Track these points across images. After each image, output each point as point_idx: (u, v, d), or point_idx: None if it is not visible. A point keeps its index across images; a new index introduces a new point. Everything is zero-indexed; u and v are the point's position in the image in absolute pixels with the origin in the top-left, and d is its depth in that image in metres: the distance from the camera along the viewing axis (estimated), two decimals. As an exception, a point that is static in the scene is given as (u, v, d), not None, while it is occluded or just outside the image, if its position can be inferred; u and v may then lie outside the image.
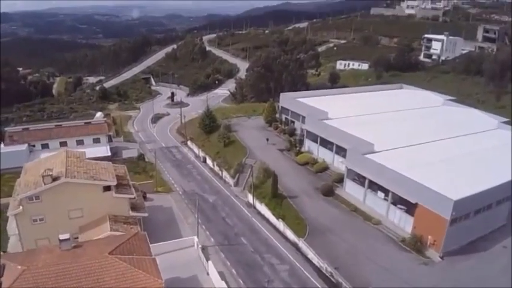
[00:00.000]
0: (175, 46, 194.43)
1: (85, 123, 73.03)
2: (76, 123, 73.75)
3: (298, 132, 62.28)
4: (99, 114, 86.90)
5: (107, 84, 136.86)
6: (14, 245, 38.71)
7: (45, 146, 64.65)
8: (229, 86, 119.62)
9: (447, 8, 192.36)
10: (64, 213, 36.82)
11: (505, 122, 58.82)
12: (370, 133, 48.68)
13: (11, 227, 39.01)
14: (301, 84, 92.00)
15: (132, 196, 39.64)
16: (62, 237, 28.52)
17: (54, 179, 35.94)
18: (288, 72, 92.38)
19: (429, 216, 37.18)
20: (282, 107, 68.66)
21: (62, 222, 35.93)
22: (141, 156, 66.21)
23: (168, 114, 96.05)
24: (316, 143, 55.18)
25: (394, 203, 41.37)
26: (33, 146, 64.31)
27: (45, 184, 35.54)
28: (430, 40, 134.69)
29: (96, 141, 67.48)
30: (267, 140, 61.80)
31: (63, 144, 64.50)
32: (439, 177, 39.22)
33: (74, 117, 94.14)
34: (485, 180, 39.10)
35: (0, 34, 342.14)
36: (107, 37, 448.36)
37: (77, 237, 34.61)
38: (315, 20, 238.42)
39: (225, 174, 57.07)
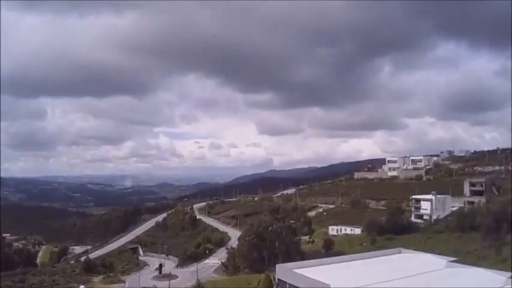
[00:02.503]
0: (165, 215, 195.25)
1: (64, 301, 68.27)
2: (55, 302, 68.84)
3: (298, 308, 57.15)
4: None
5: (92, 255, 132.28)
6: None
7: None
8: (220, 255, 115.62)
9: (429, 167, 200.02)
10: None
11: (512, 277, 55.22)
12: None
13: None
14: (295, 253, 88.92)
15: None
16: None
17: None
18: (281, 240, 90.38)
19: None
20: (278, 279, 64.55)
21: None
22: None
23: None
24: (320, 321, 49.99)
25: None
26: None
27: None
28: (418, 201, 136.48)
29: (74, 322, 61.59)
30: None
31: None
32: None
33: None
34: None
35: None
36: (99, 205, 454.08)
37: None
38: (301, 186, 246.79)
39: None
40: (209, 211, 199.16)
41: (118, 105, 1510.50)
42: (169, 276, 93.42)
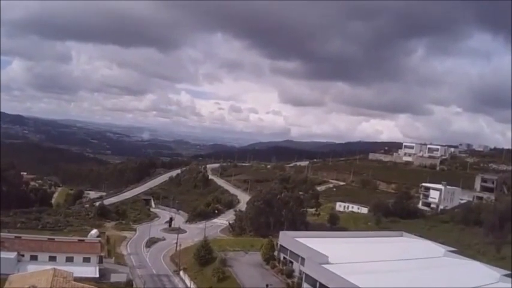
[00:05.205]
0: (179, 171, 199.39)
1: (78, 240, 72.51)
2: (69, 239, 73.23)
3: (296, 274, 60.27)
4: (94, 231, 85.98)
5: (107, 201, 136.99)
6: None
7: (34, 258, 63.20)
8: (228, 216, 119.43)
9: (444, 157, 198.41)
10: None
11: (506, 275, 57.21)
12: (373, 283, 47.14)
13: None
14: (300, 223, 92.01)
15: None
16: None
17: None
18: (288, 210, 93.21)
19: None
20: (281, 245, 67.68)
21: None
22: (129, 282, 63.30)
23: (164, 239, 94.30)
24: (315, 288, 52.99)
25: None
26: (22, 255, 62.88)
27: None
28: (428, 189, 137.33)
29: (86, 260, 65.83)
30: (267, 286, 58.11)
31: (53, 259, 62.98)
32: None
33: (68, 231, 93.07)
34: None
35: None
36: (115, 154, 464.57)
37: None
38: (315, 160, 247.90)
39: (215, 312, 53.77)
40: (222, 173, 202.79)
41: (143, 57, 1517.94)
42: (178, 230, 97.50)
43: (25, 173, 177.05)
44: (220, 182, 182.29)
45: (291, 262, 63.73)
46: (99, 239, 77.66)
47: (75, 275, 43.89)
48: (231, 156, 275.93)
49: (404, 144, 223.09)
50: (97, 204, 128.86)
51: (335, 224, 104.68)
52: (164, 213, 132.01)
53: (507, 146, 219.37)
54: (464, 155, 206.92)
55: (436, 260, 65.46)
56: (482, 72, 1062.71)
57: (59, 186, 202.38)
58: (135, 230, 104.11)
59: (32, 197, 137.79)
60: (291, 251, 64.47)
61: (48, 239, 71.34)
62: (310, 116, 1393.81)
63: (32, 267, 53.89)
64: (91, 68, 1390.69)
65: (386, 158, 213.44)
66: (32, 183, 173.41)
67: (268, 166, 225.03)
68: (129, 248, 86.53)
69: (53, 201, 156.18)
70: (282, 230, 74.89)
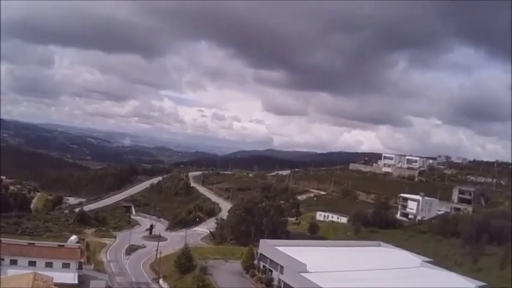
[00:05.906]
0: (161, 178, 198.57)
1: (58, 245, 72.03)
2: (49, 245, 72.70)
3: (275, 283, 61.22)
4: (73, 237, 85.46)
5: (86, 208, 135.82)
6: None
7: (13, 262, 62.62)
8: (210, 225, 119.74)
9: (423, 169, 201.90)
10: None
11: (482, 287, 59.00)
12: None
13: None
14: (280, 232, 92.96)
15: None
16: None
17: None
18: (269, 218, 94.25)
19: None
20: (260, 254, 68.55)
21: None
22: (108, 289, 63.32)
23: (144, 246, 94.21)
24: (293, 296, 54.05)
25: None
26: (3, 259, 62.27)
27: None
28: (406, 199, 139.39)
29: (66, 266, 65.46)
30: None
31: (32, 263, 62.56)
32: None
33: (47, 236, 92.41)
34: None
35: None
36: (95, 160, 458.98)
37: None
38: (297, 169, 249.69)
39: (195, 319, 54.26)
40: (204, 180, 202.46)
41: (126, 63, 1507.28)
42: (159, 238, 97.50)
43: (4, 177, 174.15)
44: (202, 190, 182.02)
45: (271, 271, 64.63)
46: (79, 245, 77.23)
47: (54, 280, 44.23)
48: (213, 164, 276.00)
49: (383, 155, 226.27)
50: (77, 210, 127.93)
51: (315, 233, 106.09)
52: (145, 221, 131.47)
53: (487, 159, 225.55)
54: (442, 166, 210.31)
55: (413, 270, 67.15)
56: (462, 86, 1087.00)
57: (38, 191, 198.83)
58: (115, 237, 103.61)
59: (11, 202, 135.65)
60: (270, 259, 65.38)
61: (28, 243, 70.77)
62: (292, 126, 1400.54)
63: (11, 272, 54.07)
64: (73, 72, 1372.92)
65: (366, 168, 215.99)
66: (11, 187, 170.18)
67: (250, 175, 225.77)
68: (109, 255, 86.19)
69: (32, 206, 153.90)
70: (263, 238, 75.83)
